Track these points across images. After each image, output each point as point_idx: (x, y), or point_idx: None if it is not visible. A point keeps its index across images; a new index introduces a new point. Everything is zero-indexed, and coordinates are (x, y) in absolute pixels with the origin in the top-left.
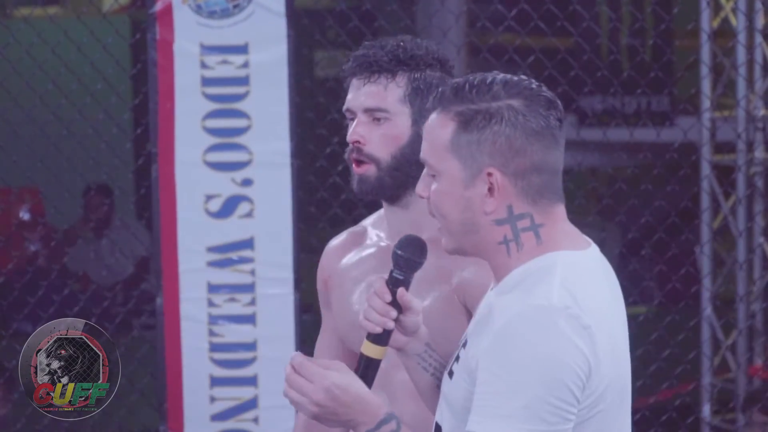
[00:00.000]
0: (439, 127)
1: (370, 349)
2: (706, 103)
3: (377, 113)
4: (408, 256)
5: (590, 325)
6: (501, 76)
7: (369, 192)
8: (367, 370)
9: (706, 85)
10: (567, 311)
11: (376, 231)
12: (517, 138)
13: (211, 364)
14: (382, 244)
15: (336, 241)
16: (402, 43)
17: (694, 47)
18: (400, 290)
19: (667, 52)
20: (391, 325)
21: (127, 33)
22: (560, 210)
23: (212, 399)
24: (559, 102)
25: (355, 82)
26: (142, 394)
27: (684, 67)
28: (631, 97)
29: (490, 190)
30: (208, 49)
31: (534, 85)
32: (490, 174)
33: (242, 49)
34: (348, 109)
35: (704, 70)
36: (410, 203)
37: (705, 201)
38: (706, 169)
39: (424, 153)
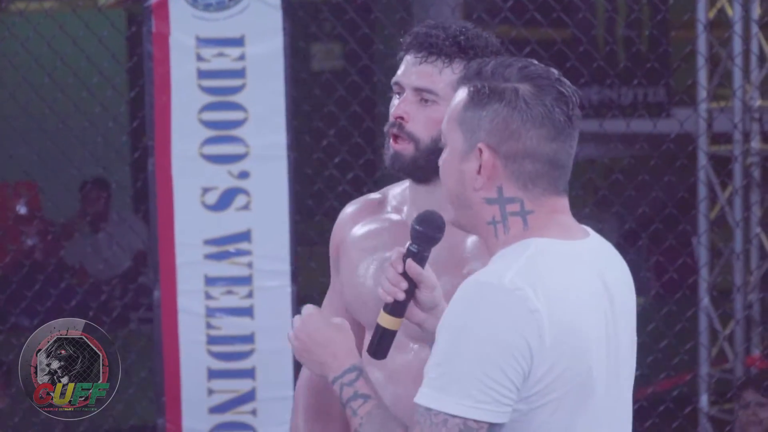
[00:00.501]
0: (457, 98)
1: (384, 320)
2: (702, 94)
3: (426, 94)
4: (424, 231)
5: (539, 310)
6: (525, 62)
7: (401, 169)
8: (381, 340)
9: (702, 76)
10: (516, 292)
11: (396, 203)
12: (514, 121)
13: (208, 357)
14: (395, 218)
15: (351, 208)
16: (464, 30)
17: (690, 38)
18: (408, 262)
19: (664, 43)
20: (401, 296)
21: (122, 26)
22: (557, 202)
23: (210, 391)
24: (574, 98)
25: (409, 58)
26: (140, 387)
27: (680, 58)
28: (628, 88)
29: (480, 166)
30: (204, 41)
31: (553, 76)
32: (481, 150)
33: (238, 42)
34: (397, 83)
35: (700, 60)
36: (438, 186)
37: (702, 191)
38: (702, 160)
39: (443, 122)
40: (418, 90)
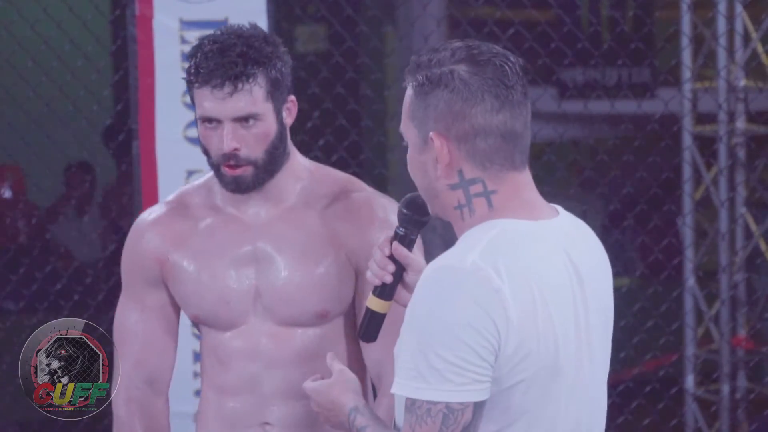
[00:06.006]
0: (406, 96)
1: (373, 303)
2: (686, 74)
3: (248, 118)
4: (410, 214)
5: (501, 289)
6: (457, 44)
7: (245, 190)
8: (370, 323)
9: (686, 56)
10: (477, 273)
11: (205, 203)
12: (456, 102)
13: (193, 339)
14: (225, 213)
15: (154, 217)
16: (250, 40)
17: (674, 18)
18: (395, 244)
19: (648, 23)
20: (388, 278)
21: (106, 9)
22: (517, 178)
23: (195, 374)
24: (516, 67)
25: (213, 92)
26: None
27: (664, 38)
28: (612, 68)
29: (436, 155)
30: (188, 24)
31: (487, 51)
32: (433, 139)
33: (222, 24)
34: (210, 118)
35: (685, 40)
36: (265, 186)
37: (687, 172)
38: (687, 140)
39: (401, 123)
40: (239, 118)
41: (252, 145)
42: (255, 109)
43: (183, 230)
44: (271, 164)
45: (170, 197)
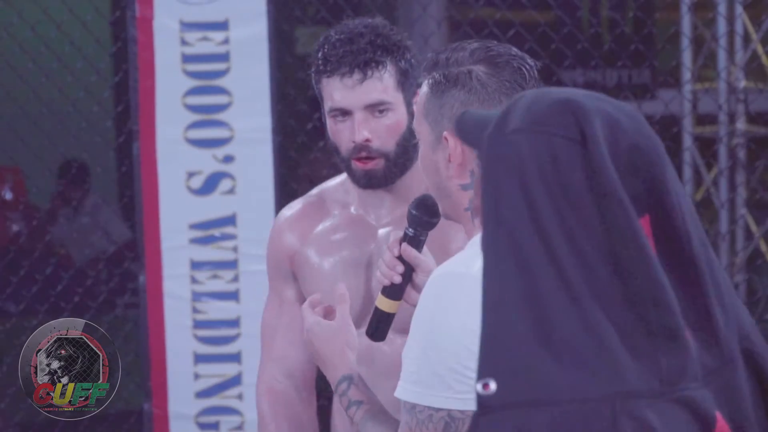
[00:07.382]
0: (420, 93)
1: (382, 303)
2: (687, 75)
3: (380, 106)
4: (419, 215)
5: None
6: (476, 44)
7: (377, 185)
8: (379, 323)
9: (686, 57)
10: None
11: (341, 198)
12: (472, 103)
13: (194, 341)
14: (352, 212)
15: (291, 213)
16: (375, 30)
17: (674, 19)
18: (404, 245)
19: (648, 24)
20: (397, 279)
21: (106, 10)
22: None
23: (196, 376)
24: (532, 71)
25: (343, 80)
26: (126, 372)
27: (665, 39)
28: (612, 69)
29: (449, 154)
30: (188, 25)
31: (506, 53)
32: (447, 139)
33: (222, 26)
34: (340, 109)
35: (685, 42)
36: (396, 185)
37: (687, 173)
38: (687, 141)
39: (414, 120)
40: (370, 106)
41: (384, 136)
42: (386, 97)
43: (313, 225)
44: (402, 158)
45: (312, 191)
